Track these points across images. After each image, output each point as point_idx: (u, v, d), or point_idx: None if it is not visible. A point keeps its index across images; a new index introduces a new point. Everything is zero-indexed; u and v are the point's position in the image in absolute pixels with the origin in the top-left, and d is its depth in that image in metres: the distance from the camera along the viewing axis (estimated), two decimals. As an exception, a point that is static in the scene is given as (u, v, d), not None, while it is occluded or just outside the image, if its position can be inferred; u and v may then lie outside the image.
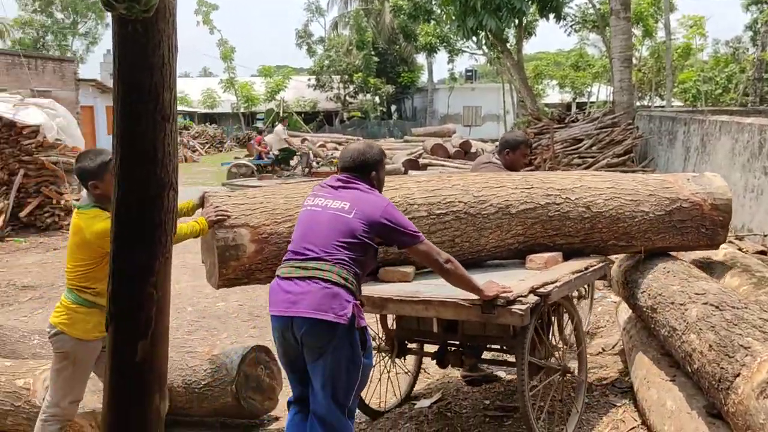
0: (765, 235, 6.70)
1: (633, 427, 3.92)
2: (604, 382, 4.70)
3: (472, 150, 21.01)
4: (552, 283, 3.54)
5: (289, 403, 3.18)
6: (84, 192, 3.36)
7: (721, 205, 4.45)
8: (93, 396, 3.66)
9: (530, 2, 12.74)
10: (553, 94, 40.48)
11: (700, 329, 3.31)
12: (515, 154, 4.84)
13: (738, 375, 2.85)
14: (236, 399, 4.00)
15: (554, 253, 4.02)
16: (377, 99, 40.02)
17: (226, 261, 3.56)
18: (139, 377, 1.65)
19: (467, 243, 3.98)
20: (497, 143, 5.83)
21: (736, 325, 3.14)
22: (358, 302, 2.93)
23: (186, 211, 3.61)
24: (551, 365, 3.79)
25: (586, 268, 3.95)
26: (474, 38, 14.04)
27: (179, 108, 37.89)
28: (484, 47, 16.57)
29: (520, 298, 3.26)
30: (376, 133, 37.67)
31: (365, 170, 3.17)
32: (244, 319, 6.46)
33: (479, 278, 3.73)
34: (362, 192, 3.10)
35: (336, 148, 26.80)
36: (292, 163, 16.02)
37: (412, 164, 21.41)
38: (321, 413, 2.87)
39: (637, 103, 31.49)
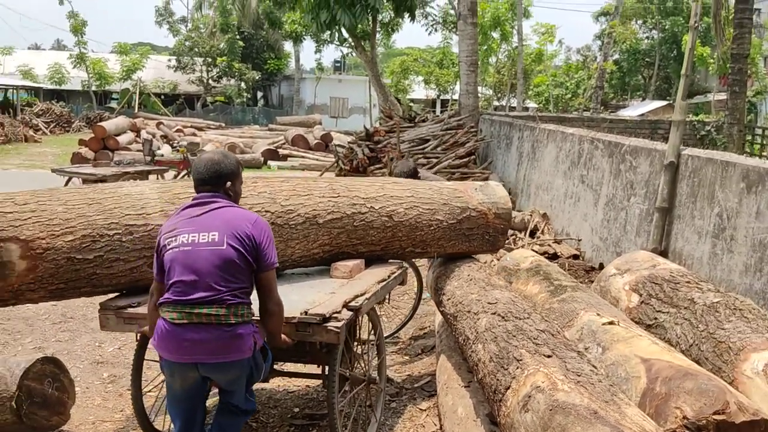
0: (579, 240, 7.16)
1: (431, 432, 4.03)
2: (416, 385, 4.81)
3: (334, 142, 21.02)
4: (361, 295, 3.56)
5: None
6: None
7: (503, 214, 4.72)
8: None
9: (385, 0, 12.85)
10: (419, 90, 41.37)
11: (486, 339, 3.43)
12: None
13: (509, 388, 2.96)
14: (17, 416, 3.68)
15: (357, 260, 4.06)
16: (242, 84, 39.00)
17: None
18: None
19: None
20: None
21: (514, 336, 3.27)
22: (255, 327, 2.95)
23: None
24: (357, 376, 3.81)
25: (389, 276, 4.02)
26: (328, 32, 13.98)
27: (22, 83, 35.13)
28: (337, 41, 16.56)
29: (335, 315, 3.24)
30: (240, 119, 36.71)
31: (219, 181, 3.01)
32: (54, 321, 5.99)
33: (289, 290, 3.68)
34: (225, 209, 2.95)
35: (194, 134, 25.87)
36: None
37: (272, 154, 21.09)
38: (236, 404, 3.08)
39: (495, 103, 32.99)
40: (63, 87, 37.98)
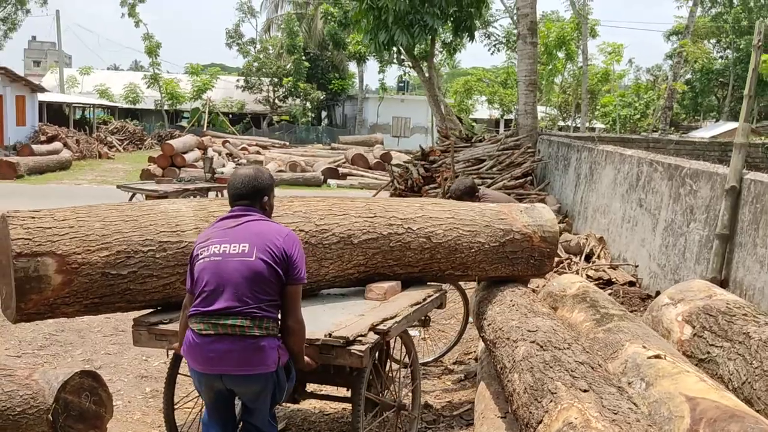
0: (636, 266, 6.87)
1: (466, 463, 3.88)
2: (454, 413, 4.67)
3: (392, 161, 21.09)
4: (391, 318, 3.47)
5: None
6: None
7: (549, 237, 4.53)
8: None
9: (443, 21, 12.83)
10: (482, 110, 41.09)
11: (522, 369, 3.29)
12: None
13: (540, 422, 2.81)
14: (53, 428, 3.74)
15: (393, 282, 3.97)
16: (307, 104, 39.69)
17: (26, 294, 3.14)
18: None
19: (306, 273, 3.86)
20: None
21: (551, 367, 3.12)
22: (280, 342, 2.93)
23: None
24: (386, 401, 3.72)
25: (424, 300, 3.91)
26: (387, 53, 14.06)
27: (98, 102, 36.78)
28: (395, 61, 16.61)
29: (359, 338, 3.18)
30: (305, 138, 37.37)
31: (256, 196, 3.05)
32: (106, 333, 6.13)
33: (319, 311, 3.67)
34: (257, 222, 2.98)
35: (259, 152, 26.44)
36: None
37: (332, 173, 21.34)
38: (258, 425, 3.06)
39: (560, 123, 32.42)
40: (137, 106, 39.57)
